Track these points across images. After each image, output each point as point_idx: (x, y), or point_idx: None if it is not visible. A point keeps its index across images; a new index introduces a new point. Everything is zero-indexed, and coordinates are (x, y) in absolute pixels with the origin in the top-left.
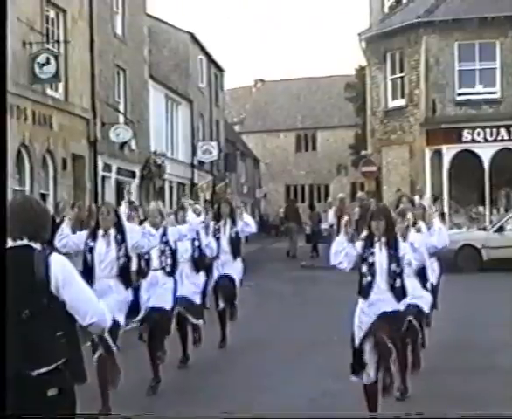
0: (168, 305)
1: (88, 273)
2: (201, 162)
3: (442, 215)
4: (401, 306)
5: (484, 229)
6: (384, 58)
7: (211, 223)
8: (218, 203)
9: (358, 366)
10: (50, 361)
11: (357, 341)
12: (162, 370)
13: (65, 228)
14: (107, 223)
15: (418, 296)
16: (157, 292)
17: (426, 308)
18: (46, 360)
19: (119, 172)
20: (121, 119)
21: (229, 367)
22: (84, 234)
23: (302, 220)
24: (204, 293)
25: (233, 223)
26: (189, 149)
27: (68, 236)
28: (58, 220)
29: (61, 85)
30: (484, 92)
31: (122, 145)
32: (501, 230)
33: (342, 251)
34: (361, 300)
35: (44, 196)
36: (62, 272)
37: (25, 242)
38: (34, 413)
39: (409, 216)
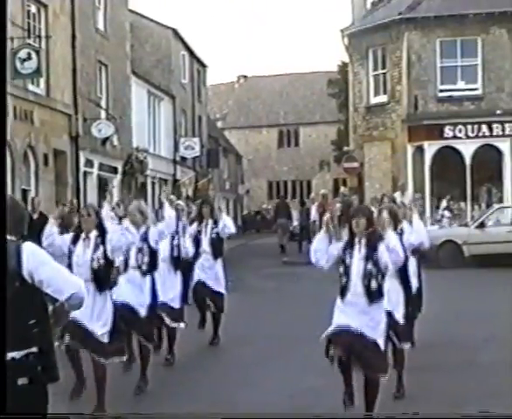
0: (142, 310)
1: None
2: (183, 158)
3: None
4: (380, 328)
5: (465, 225)
6: (367, 54)
7: (194, 225)
8: (200, 204)
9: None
10: (21, 346)
11: (332, 329)
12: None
13: (51, 227)
14: (87, 224)
15: (395, 303)
16: (134, 292)
17: (401, 321)
18: (18, 344)
19: (101, 168)
20: (103, 114)
21: (209, 364)
22: (69, 237)
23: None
24: (184, 293)
25: (214, 223)
26: (171, 145)
27: (53, 235)
28: (35, 216)
29: (42, 81)
30: (466, 89)
31: (104, 140)
32: (482, 226)
33: (322, 250)
34: (338, 300)
35: (25, 192)
36: (33, 257)
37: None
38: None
39: (384, 214)
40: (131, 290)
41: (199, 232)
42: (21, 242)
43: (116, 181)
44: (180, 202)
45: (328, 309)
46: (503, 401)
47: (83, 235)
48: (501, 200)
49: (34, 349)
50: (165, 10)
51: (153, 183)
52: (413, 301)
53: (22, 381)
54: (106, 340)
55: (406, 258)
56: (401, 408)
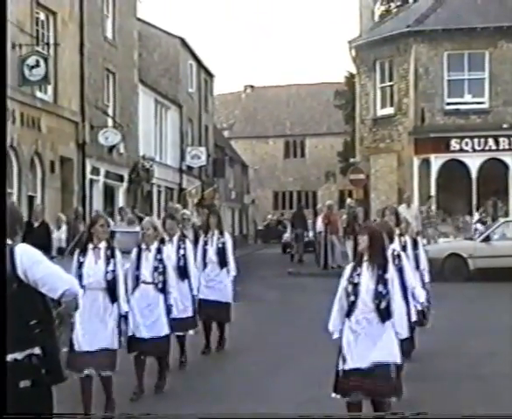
0: (163, 330)
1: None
2: (189, 167)
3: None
4: (391, 347)
5: (471, 238)
6: (374, 66)
7: (201, 237)
8: (207, 215)
9: (340, 389)
10: (23, 347)
11: (342, 364)
12: (147, 375)
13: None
14: (103, 235)
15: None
16: (150, 318)
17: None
18: (20, 345)
19: (107, 175)
20: (110, 122)
21: (213, 373)
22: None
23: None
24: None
25: (221, 233)
26: (177, 154)
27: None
28: (35, 225)
29: (50, 88)
30: (472, 102)
31: (111, 148)
32: (487, 239)
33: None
34: (347, 320)
35: (31, 199)
36: (27, 257)
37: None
38: (35, 413)
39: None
40: (144, 308)
41: (205, 242)
42: (14, 244)
43: (122, 189)
44: (186, 211)
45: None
46: (502, 411)
47: (91, 245)
48: (506, 214)
49: (37, 350)
50: (173, 20)
51: (159, 192)
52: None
53: (24, 383)
54: (115, 346)
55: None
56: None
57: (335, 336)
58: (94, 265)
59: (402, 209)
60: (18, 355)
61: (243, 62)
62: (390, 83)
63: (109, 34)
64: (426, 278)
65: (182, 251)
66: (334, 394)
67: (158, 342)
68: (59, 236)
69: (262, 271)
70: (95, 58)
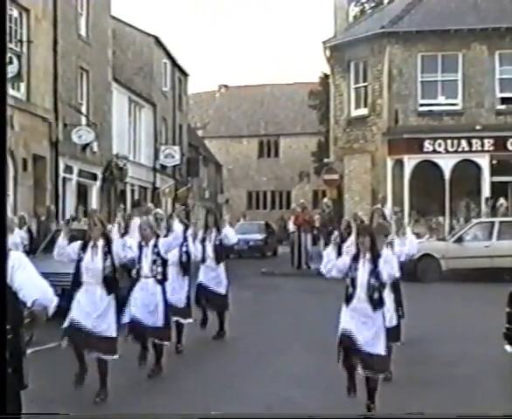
0: (161, 319)
1: (76, 279)
2: (163, 166)
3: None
4: (381, 331)
5: (443, 239)
6: (348, 66)
7: (200, 232)
8: (205, 214)
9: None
10: None
11: (338, 335)
12: (122, 371)
13: (61, 240)
14: (95, 233)
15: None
16: (149, 307)
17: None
18: None
19: (80, 174)
20: (84, 120)
21: (186, 373)
22: (77, 245)
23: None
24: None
25: (218, 231)
26: (151, 153)
27: (65, 248)
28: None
29: (23, 85)
30: (446, 104)
31: (84, 147)
32: (460, 240)
33: (332, 261)
34: (344, 307)
35: None
36: (15, 262)
37: None
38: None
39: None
40: (144, 299)
41: (204, 239)
42: (7, 249)
43: (95, 187)
44: (159, 210)
45: (307, 320)
46: (477, 412)
47: (91, 243)
48: (479, 215)
49: (7, 354)
50: (147, 18)
51: (132, 191)
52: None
53: None
54: (114, 334)
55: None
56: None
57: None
58: (91, 262)
59: (377, 208)
60: None
61: (217, 61)
62: (365, 84)
63: (83, 32)
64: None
65: (184, 248)
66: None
67: (156, 330)
68: (20, 235)
69: (236, 271)
70: (69, 55)
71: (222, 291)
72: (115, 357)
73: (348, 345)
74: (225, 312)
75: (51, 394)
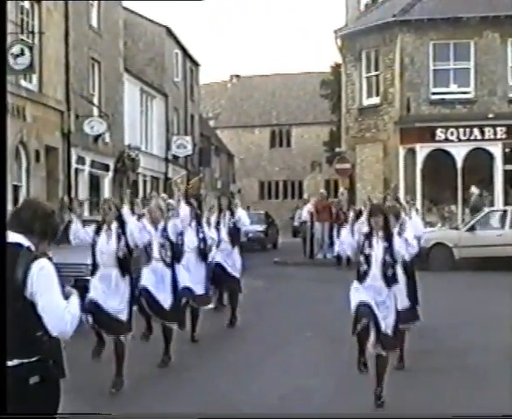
0: (168, 301)
1: (93, 263)
2: (175, 157)
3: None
4: (394, 307)
5: (456, 228)
6: (360, 55)
7: (213, 217)
8: (218, 198)
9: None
10: (30, 356)
11: (355, 306)
12: (133, 366)
13: (75, 224)
14: (109, 217)
15: (399, 289)
16: (158, 289)
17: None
18: (24, 355)
19: (92, 165)
20: (96, 111)
21: (199, 364)
22: (91, 229)
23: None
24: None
25: (232, 214)
26: (163, 143)
27: (79, 231)
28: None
29: (35, 77)
30: (458, 92)
31: (96, 138)
32: (472, 229)
33: (346, 242)
34: (356, 283)
35: (16, 188)
36: (38, 283)
37: (19, 238)
38: (34, 413)
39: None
40: (154, 280)
41: (218, 223)
42: (33, 256)
43: (108, 178)
44: (171, 201)
45: (319, 309)
46: (489, 403)
47: (105, 226)
48: (491, 203)
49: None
50: (159, 9)
51: (144, 181)
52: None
53: (33, 379)
54: (124, 317)
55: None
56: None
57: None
58: (106, 244)
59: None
60: (27, 360)
61: (229, 51)
62: (376, 73)
63: (94, 23)
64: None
65: (201, 235)
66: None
67: (163, 310)
68: None
69: (247, 260)
70: (80, 46)
71: (236, 274)
72: (130, 335)
73: (365, 313)
74: (238, 297)
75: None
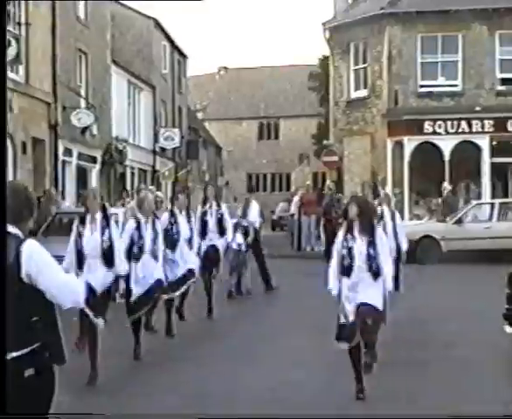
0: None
1: (79, 254)
2: (163, 149)
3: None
4: (379, 299)
5: (443, 220)
6: (348, 48)
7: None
8: (204, 187)
9: (345, 337)
10: (24, 346)
11: (343, 318)
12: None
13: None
14: (93, 206)
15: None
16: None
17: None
18: (20, 344)
19: (80, 157)
20: (83, 103)
21: (184, 357)
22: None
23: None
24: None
25: (218, 205)
26: (151, 136)
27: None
28: None
29: (22, 68)
30: (446, 85)
31: (83, 130)
32: (460, 221)
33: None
34: (345, 279)
35: None
36: (34, 262)
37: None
38: (34, 413)
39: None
40: (144, 274)
41: (204, 213)
42: (21, 238)
43: (95, 170)
44: (159, 193)
45: (308, 303)
46: (471, 397)
47: (89, 216)
48: (479, 196)
49: (37, 344)
50: (146, 1)
51: (132, 174)
52: None
53: (28, 372)
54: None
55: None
56: (366, 407)
57: (335, 293)
58: (91, 236)
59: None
60: (20, 353)
61: (217, 44)
62: (364, 65)
63: (82, 14)
64: (404, 247)
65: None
66: (338, 343)
67: (159, 285)
68: None
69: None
70: (67, 38)
71: (220, 251)
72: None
73: (349, 334)
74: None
75: None
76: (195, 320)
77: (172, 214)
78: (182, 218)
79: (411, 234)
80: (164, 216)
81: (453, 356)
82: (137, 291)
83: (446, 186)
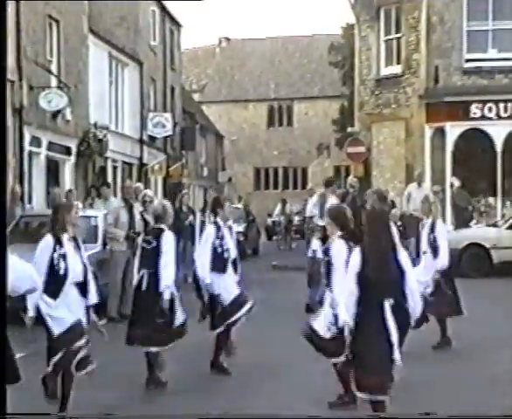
0: None
1: (60, 282)
2: (152, 138)
3: None
4: None
5: (495, 225)
6: (378, 14)
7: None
8: (205, 190)
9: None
10: None
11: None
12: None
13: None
14: (76, 222)
15: None
16: None
17: None
18: None
19: (50, 147)
20: (54, 82)
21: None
22: (49, 240)
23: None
24: None
25: (215, 216)
26: (137, 122)
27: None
28: None
29: None
30: (498, 59)
31: (55, 114)
32: None
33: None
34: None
35: None
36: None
37: None
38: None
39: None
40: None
41: (204, 222)
42: None
43: (69, 164)
44: (148, 191)
45: None
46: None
47: (66, 235)
48: None
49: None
50: None
51: (114, 168)
52: None
53: None
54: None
55: None
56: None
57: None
58: (74, 259)
59: (412, 189)
60: None
61: (217, 9)
62: (397, 35)
63: None
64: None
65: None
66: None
67: None
68: None
69: (242, 264)
70: (34, 3)
71: None
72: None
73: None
74: None
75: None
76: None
77: (218, 228)
78: (227, 233)
79: (455, 242)
80: (209, 230)
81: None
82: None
83: (454, 182)
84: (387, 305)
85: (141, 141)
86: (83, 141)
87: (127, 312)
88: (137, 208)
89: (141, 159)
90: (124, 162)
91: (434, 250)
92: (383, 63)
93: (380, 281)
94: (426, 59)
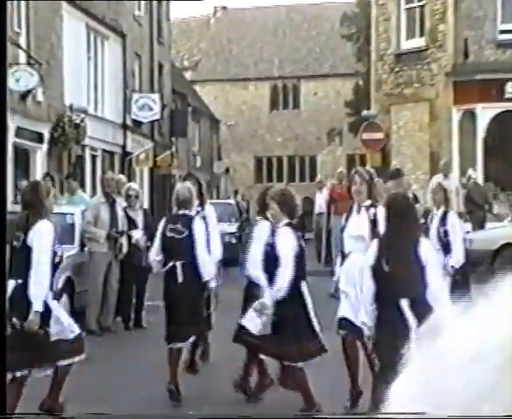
0: None
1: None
2: (137, 123)
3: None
4: None
5: None
6: None
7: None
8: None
9: None
10: None
11: None
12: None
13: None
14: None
15: None
16: None
17: None
18: None
19: (19, 133)
20: (23, 58)
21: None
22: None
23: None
24: None
25: (200, 205)
26: (119, 104)
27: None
28: None
29: None
30: None
31: (24, 95)
32: None
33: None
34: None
35: None
36: None
37: None
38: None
39: None
40: None
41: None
42: None
43: (41, 152)
44: (133, 184)
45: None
46: None
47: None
48: None
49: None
50: None
51: (93, 157)
52: None
53: None
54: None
55: None
56: None
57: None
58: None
59: (437, 180)
60: None
61: None
62: (421, 3)
63: None
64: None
65: None
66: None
67: None
68: None
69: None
70: None
71: None
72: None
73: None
74: None
75: None
76: None
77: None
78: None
79: (488, 241)
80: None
81: None
82: None
83: (471, 174)
84: (404, 303)
85: (124, 127)
86: (57, 127)
87: (108, 324)
88: (120, 203)
89: (124, 147)
90: (105, 151)
91: (445, 247)
92: (403, 35)
93: (396, 278)
94: (454, 31)
